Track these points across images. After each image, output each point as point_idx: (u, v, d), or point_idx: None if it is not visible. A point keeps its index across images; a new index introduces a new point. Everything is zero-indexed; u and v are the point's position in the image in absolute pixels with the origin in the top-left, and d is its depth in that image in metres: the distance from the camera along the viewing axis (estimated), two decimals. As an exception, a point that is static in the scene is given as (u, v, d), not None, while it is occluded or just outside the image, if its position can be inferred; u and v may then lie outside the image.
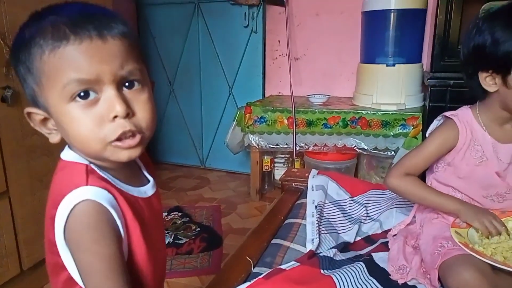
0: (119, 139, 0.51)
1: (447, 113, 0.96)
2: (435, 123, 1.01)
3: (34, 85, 0.51)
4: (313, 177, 1.31)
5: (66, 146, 0.58)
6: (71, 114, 0.50)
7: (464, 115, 0.95)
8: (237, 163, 2.80)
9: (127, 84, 0.52)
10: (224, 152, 2.63)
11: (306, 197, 1.23)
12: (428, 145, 0.96)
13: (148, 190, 0.62)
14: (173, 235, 1.93)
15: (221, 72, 2.76)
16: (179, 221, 2.07)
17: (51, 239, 0.53)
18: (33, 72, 0.50)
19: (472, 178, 0.94)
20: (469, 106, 0.96)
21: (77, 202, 0.50)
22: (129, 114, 0.51)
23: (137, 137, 0.53)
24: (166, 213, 2.18)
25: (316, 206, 1.17)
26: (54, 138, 0.56)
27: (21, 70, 0.52)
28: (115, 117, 0.50)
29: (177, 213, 2.17)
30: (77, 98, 0.50)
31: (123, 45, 0.51)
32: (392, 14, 2.04)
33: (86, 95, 0.50)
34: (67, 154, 0.57)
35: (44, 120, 0.54)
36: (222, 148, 2.58)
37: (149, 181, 0.64)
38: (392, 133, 2.01)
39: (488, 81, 0.85)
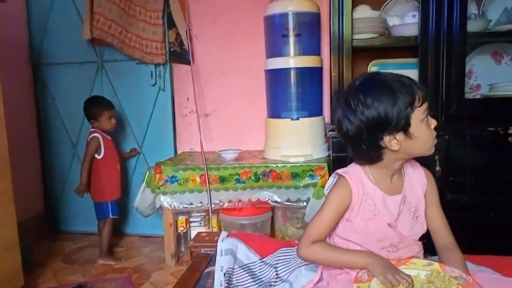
0: None
1: (339, 171, 1.01)
2: (330, 180, 1.05)
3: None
4: (222, 241, 1.25)
5: None
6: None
7: (354, 172, 1.00)
8: (150, 226, 2.63)
9: None
10: (135, 215, 2.49)
11: (215, 264, 1.16)
12: (326, 210, 0.98)
13: None
14: (75, 319, 1.70)
15: (129, 132, 2.66)
16: (83, 301, 1.84)
17: None
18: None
19: (367, 232, 0.97)
20: (357, 162, 1.02)
21: None
22: None
23: None
24: (67, 293, 1.93)
25: (224, 274, 1.10)
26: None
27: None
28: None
29: (80, 291, 1.93)
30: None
31: None
32: (292, 72, 2.18)
33: None
34: None
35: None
36: (133, 211, 2.43)
37: None
38: (302, 184, 2.07)
39: (391, 142, 0.91)
